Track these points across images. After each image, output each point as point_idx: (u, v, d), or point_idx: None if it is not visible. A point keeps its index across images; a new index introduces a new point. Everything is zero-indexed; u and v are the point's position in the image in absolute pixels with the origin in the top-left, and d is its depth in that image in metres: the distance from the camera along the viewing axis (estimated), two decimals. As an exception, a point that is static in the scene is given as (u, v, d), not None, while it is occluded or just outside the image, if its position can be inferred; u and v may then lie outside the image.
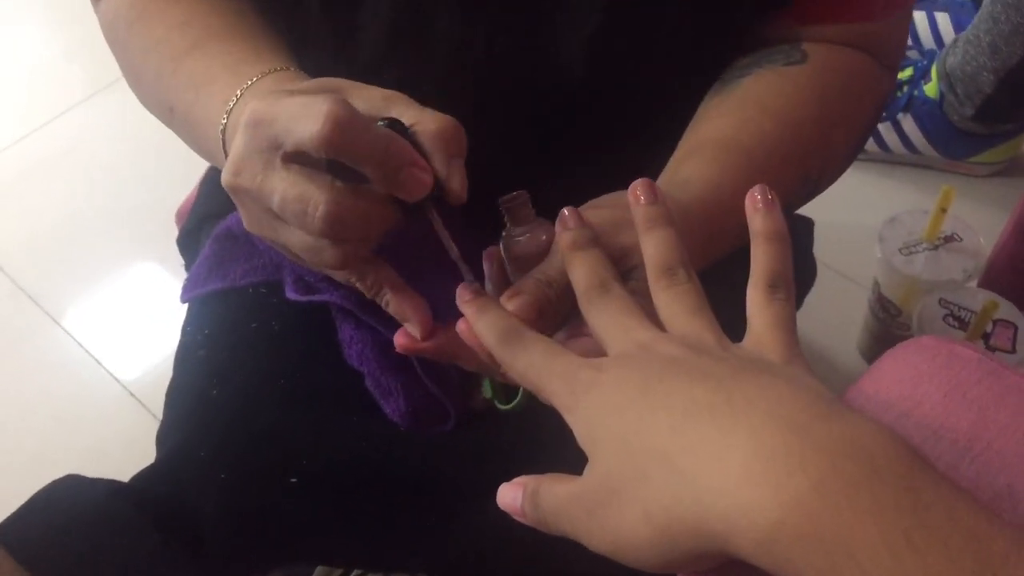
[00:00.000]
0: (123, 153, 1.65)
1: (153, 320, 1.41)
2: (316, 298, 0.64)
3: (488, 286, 0.54)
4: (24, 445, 1.30)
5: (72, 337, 1.43)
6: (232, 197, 0.50)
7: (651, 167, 0.58)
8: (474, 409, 0.68)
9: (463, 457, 0.66)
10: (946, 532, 0.30)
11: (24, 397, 1.36)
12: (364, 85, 0.50)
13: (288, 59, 0.60)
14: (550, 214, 0.50)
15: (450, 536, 0.66)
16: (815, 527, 0.31)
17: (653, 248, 0.46)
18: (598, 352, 0.44)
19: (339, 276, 0.52)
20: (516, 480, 0.44)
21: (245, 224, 0.51)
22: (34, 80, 1.85)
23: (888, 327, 1.18)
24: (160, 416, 0.72)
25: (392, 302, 0.51)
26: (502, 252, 0.53)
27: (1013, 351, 1.00)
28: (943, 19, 1.53)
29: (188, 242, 0.84)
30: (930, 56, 1.41)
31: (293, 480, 0.62)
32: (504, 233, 0.53)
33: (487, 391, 0.64)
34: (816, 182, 0.65)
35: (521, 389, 0.63)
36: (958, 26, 1.51)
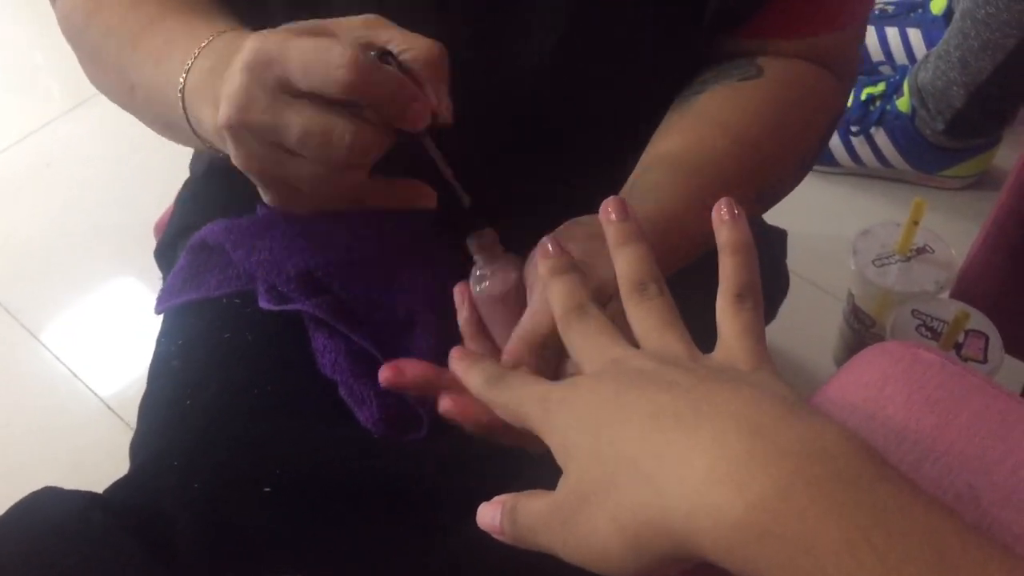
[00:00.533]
0: (102, 167, 1.65)
1: (131, 334, 1.40)
2: (288, 307, 0.64)
3: (461, 325, 0.56)
4: (1, 458, 1.29)
5: (50, 351, 1.42)
6: (229, 135, 0.50)
7: (617, 180, 0.59)
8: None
9: (438, 466, 0.66)
10: (905, 531, 0.31)
11: (1, 411, 1.35)
12: (339, 19, 0.51)
13: (242, 28, 0.61)
14: (520, 231, 0.52)
15: (426, 547, 0.66)
16: (778, 527, 0.32)
17: (625, 264, 0.47)
18: None
19: (333, 204, 0.55)
20: (495, 499, 0.45)
21: (237, 161, 0.51)
22: (12, 93, 1.84)
23: (862, 338, 1.19)
24: (138, 429, 0.72)
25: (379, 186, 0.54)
26: (472, 290, 0.54)
27: (985, 361, 1.02)
28: (915, 35, 1.55)
29: (165, 255, 0.84)
30: (902, 71, 1.43)
31: (267, 490, 0.62)
32: (474, 271, 0.54)
33: None
34: (770, 196, 0.66)
35: None
36: (930, 42, 1.53)
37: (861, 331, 1.18)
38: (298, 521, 0.63)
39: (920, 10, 1.57)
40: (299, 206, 0.55)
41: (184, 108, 0.56)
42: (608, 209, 0.48)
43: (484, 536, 0.46)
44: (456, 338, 0.58)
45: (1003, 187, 0.99)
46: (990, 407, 0.41)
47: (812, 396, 0.46)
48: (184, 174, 0.86)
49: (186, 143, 0.62)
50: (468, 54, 0.64)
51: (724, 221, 0.46)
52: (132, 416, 0.71)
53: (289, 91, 0.47)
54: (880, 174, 1.49)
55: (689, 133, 0.61)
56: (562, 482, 0.41)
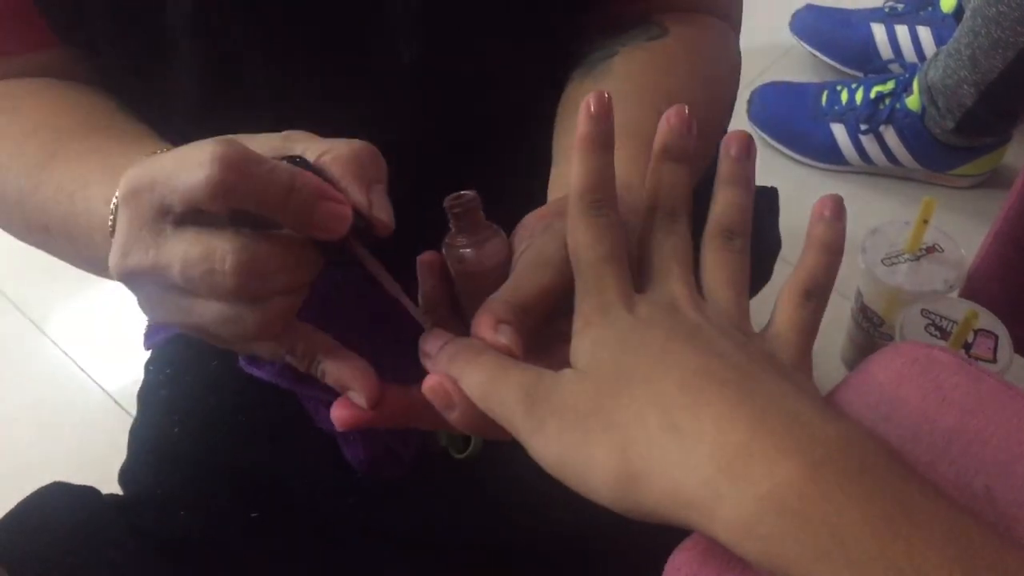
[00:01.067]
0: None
1: (137, 328, 1.40)
2: (256, 372, 0.61)
3: (420, 304, 0.47)
4: (8, 452, 1.29)
5: (56, 344, 1.42)
6: (128, 286, 0.43)
7: (524, 161, 0.57)
8: (433, 454, 0.67)
9: (421, 504, 0.66)
10: (929, 522, 0.31)
11: (8, 404, 1.35)
12: (255, 135, 0.43)
13: (156, 140, 0.54)
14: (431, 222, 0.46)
15: None
16: (802, 506, 0.32)
17: (724, 204, 0.45)
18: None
19: (267, 352, 0.45)
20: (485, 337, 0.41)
21: (148, 315, 0.44)
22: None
23: (871, 337, 1.19)
24: (145, 423, 0.73)
25: (329, 370, 0.44)
26: (449, 263, 0.46)
27: (994, 361, 1.01)
28: (925, 33, 1.55)
29: None
30: (912, 70, 1.42)
31: (253, 515, 0.62)
32: (447, 241, 0.46)
33: (443, 439, 0.65)
34: (708, 157, 0.61)
35: (474, 438, 0.63)
36: (939, 40, 1.53)
37: (870, 330, 1.18)
38: (282, 548, 0.63)
39: (930, 8, 1.56)
40: (244, 353, 0.47)
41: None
42: (731, 142, 0.46)
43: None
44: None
45: (1013, 186, 0.99)
46: (1006, 408, 0.41)
47: (826, 396, 0.46)
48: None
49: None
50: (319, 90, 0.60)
51: (824, 217, 0.45)
52: (138, 410, 0.71)
53: (171, 218, 0.39)
54: (889, 172, 1.48)
55: (628, 100, 0.56)
56: (574, 376, 0.39)
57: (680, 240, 0.44)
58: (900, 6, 1.59)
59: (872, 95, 1.43)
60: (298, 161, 0.41)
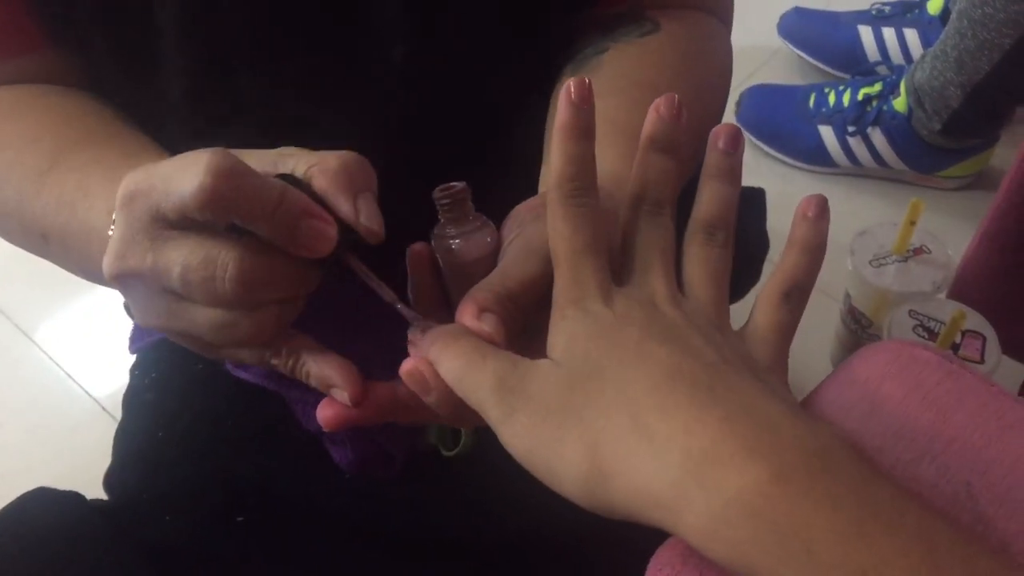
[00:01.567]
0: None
1: (125, 334, 1.40)
2: (242, 375, 0.62)
3: (411, 298, 0.47)
4: (-6, 459, 1.28)
5: (44, 351, 1.41)
6: (120, 288, 0.43)
7: (514, 158, 0.57)
8: (422, 453, 0.67)
9: (410, 503, 0.66)
10: (896, 526, 0.31)
11: (-5, 411, 1.35)
12: (252, 150, 0.44)
13: (158, 151, 0.55)
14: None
15: None
16: (771, 510, 0.32)
17: (708, 199, 0.45)
18: None
19: (252, 357, 0.45)
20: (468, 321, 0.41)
21: (139, 319, 0.44)
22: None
23: (859, 338, 1.19)
24: (132, 431, 0.72)
25: (313, 369, 0.44)
26: (437, 253, 0.46)
27: (982, 361, 1.01)
28: (911, 35, 1.55)
29: None
30: (899, 71, 1.43)
31: (240, 519, 0.62)
32: (436, 232, 0.46)
33: (432, 437, 0.64)
34: (700, 154, 0.64)
35: (464, 436, 0.63)
36: (926, 42, 1.53)
37: (858, 331, 1.18)
38: (269, 551, 0.62)
39: (917, 11, 1.57)
40: (230, 361, 0.47)
41: None
42: (718, 135, 0.46)
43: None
44: None
45: (1000, 187, 0.99)
46: (987, 406, 0.41)
47: (810, 394, 0.46)
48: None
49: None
50: (328, 79, 0.60)
51: (807, 217, 0.45)
52: (126, 416, 0.71)
53: (166, 224, 0.40)
54: (877, 174, 1.49)
55: (619, 96, 0.57)
56: (549, 367, 0.39)
57: (664, 233, 0.44)
58: (887, 8, 1.59)
59: (859, 97, 1.44)
60: (287, 178, 0.41)
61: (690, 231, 0.45)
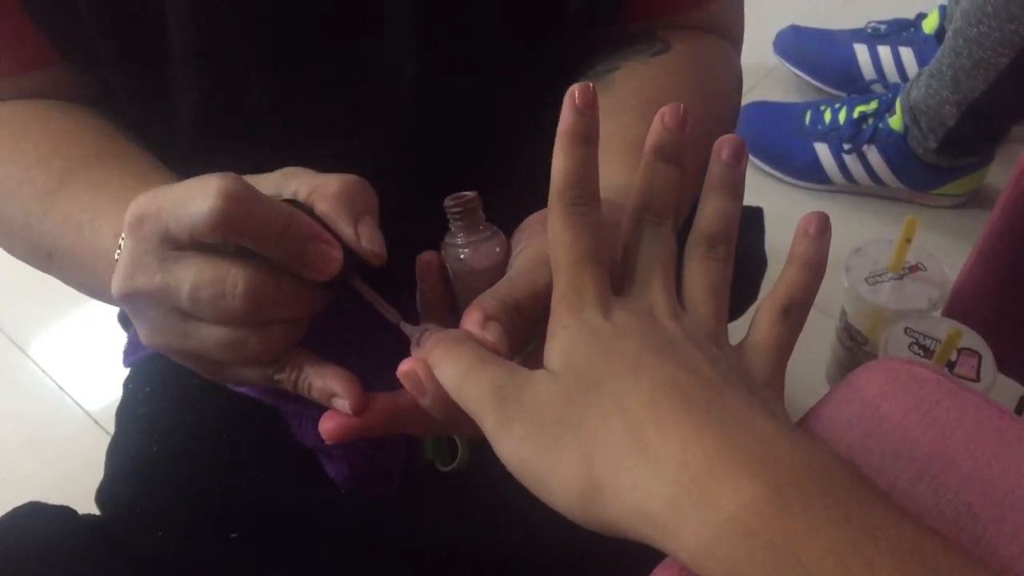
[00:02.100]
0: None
1: (118, 348, 1.39)
2: (241, 390, 0.62)
3: (418, 305, 0.47)
4: (-14, 472, 1.28)
5: (37, 364, 1.41)
6: (127, 308, 0.44)
7: (523, 173, 0.56)
8: (419, 468, 0.67)
9: (406, 518, 0.66)
10: (894, 547, 0.31)
11: (-13, 424, 1.34)
12: (259, 175, 0.45)
13: (167, 174, 0.55)
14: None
15: None
16: (766, 530, 0.32)
17: (710, 212, 0.44)
18: None
19: (256, 376, 0.45)
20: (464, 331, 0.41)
21: (145, 340, 0.45)
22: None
23: (855, 355, 1.19)
24: (124, 445, 0.72)
25: (315, 382, 0.44)
26: (446, 261, 0.46)
27: (978, 379, 1.01)
28: (907, 54, 1.56)
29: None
30: (895, 90, 1.43)
31: (234, 535, 0.62)
32: (446, 240, 0.46)
33: (428, 452, 0.64)
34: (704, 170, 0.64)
35: (460, 450, 0.63)
36: (922, 61, 1.54)
37: (854, 349, 1.18)
38: (265, 565, 0.62)
39: (912, 29, 1.58)
40: (233, 382, 0.47)
41: None
42: (723, 146, 0.45)
43: None
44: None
45: (995, 205, 0.99)
46: (986, 424, 0.40)
47: (807, 412, 0.46)
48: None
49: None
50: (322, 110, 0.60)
51: (808, 235, 0.44)
52: (118, 429, 0.70)
53: (175, 245, 0.41)
54: (873, 192, 1.49)
55: (631, 113, 0.57)
56: (545, 379, 0.38)
57: (664, 245, 0.43)
58: (882, 27, 1.60)
59: (855, 115, 1.44)
60: (291, 204, 0.42)
61: (690, 244, 0.45)
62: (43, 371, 1.40)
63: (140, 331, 0.45)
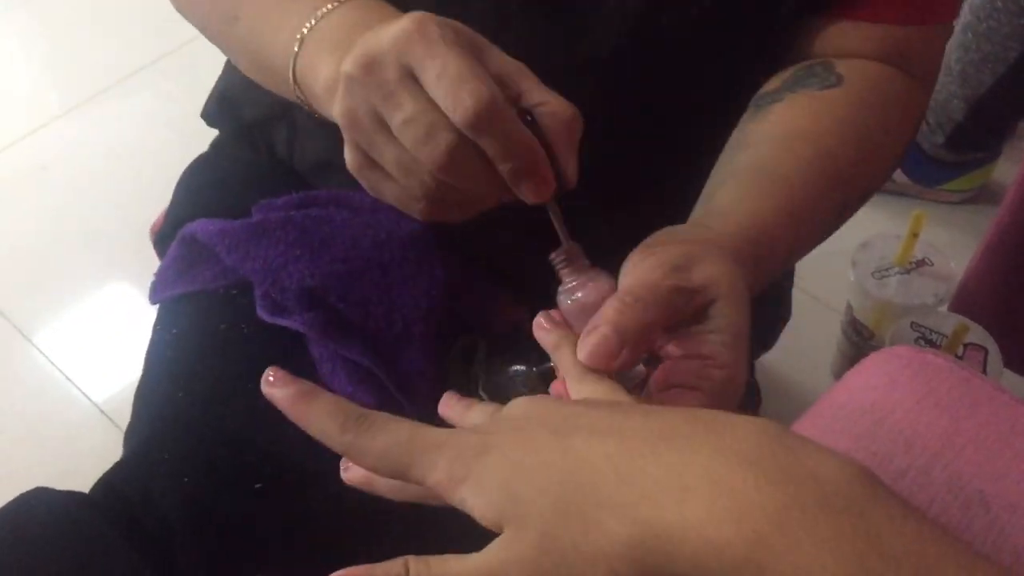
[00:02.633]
0: (98, 170, 1.64)
1: (125, 338, 1.40)
2: (281, 321, 0.63)
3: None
4: (-8, 462, 1.28)
5: (43, 354, 1.41)
6: (344, 83, 0.46)
7: (686, 190, 0.58)
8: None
9: None
10: (897, 555, 0.30)
11: (-6, 414, 1.34)
12: (496, 48, 0.47)
13: None
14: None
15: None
16: (776, 563, 0.31)
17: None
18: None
19: (396, 193, 0.50)
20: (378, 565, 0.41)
21: (338, 111, 0.48)
22: (8, 95, 1.84)
23: (861, 350, 1.19)
24: (131, 435, 0.72)
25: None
26: (562, 305, 0.50)
27: (984, 374, 1.01)
28: (915, 49, 1.56)
29: (164, 243, 0.82)
30: (902, 85, 1.43)
31: (258, 485, 0.62)
32: (561, 289, 0.50)
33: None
34: (854, 207, 0.65)
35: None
36: (929, 56, 1.54)
37: (860, 343, 1.18)
38: (287, 519, 0.62)
39: (920, 24, 1.57)
40: (372, 184, 0.50)
41: (297, 52, 0.53)
42: (540, 320, 0.49)
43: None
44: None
45: (1003, 201, 0.99)
46: (998, 413, 0.40)
47: (818, 400, 0.46)
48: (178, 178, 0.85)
49: (273, 87, 0.59)
50: (544, 50, 0.60)
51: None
52: (125, 420, 0.70)
53: (415, 81, 0.44)
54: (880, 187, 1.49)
55: (772, 143, 0.59)
56: (509, 541, 0.37)
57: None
58: (890, 22, 1.60)
59: (862, 110, 1.44)
60: (529, 120, 0.45)
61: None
62: (50, 361, 1.40)
63: (338, 106, 0.47)
